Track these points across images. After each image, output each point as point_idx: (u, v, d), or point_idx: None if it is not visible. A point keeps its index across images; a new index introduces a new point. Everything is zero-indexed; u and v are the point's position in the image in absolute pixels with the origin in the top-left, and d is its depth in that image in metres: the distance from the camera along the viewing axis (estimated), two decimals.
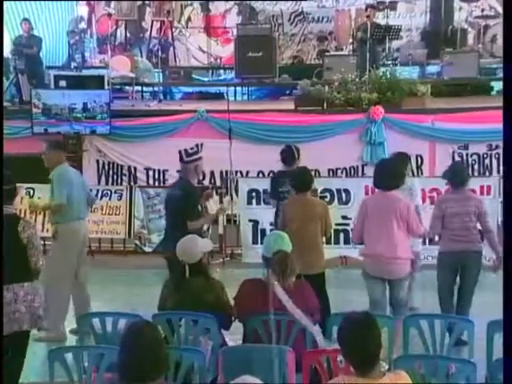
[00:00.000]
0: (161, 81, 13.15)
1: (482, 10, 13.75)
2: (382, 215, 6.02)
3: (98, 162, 10.93)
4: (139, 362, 3.10)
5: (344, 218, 8.82)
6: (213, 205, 6.51)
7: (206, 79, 14.54)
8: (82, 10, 15.12)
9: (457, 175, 6.52)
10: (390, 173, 6.20)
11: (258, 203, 9.28)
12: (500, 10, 14.44)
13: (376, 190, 6.43)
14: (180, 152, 6.45)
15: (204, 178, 10.51)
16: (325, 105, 10.89)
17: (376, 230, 6.04)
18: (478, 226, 6.44)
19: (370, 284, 6.16)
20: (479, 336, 4.88)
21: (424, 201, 8.22)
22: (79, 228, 6.77)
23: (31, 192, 9.59)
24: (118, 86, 12.52)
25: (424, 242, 8.45)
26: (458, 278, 6.48)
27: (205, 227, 6.43)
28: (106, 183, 10.81)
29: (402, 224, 6.01)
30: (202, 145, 6.46)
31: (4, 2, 9.07)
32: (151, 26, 14.18)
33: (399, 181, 6.21)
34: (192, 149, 6.56)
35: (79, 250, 6.79)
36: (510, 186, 3.58)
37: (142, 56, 13.88)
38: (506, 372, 3.08)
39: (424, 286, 7.32)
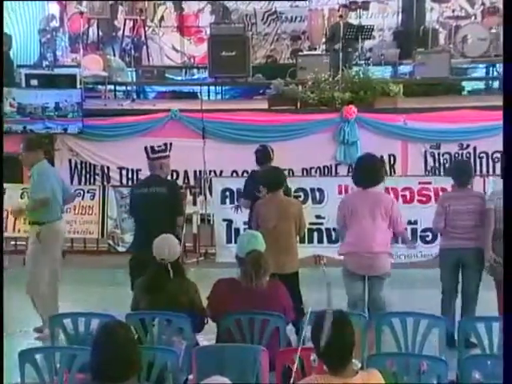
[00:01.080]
0: (134, 80, 13.07)
1: (453, 11, 13.88)
2: (365, 211, 6.04)
3: (70, 161, 10.86)
4: (111, 363, 3.09)
5: (318, 217, 8.84)
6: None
7: (179, 78, 14.48)
8: (54, 8, 14.98)
9: (460, 173, 6.55)
10: (372, 170, 6.22)
11: (232, 203, 9.26)
12: (470, 10, 14.61)
13: (355, 187, 6.41)
14: (146, 149, 6.48)
15: (178, 178, 10.49)
16: (298, 104, 10.91)
17: (359, 226, 6.06)
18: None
19: (349, 282, 6.15)
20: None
21: (397, 200, 8.26)
22: (61, 228, 6.71)
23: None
24: (91, 85, 12.42)
25: (397, 241, 8.55)
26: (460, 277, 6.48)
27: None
28: (79, 183, 10.74)
29: (385, 220, 6.04)
30: (171, 144, 6.44)
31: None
32: (124, 25, 14.09)
33: (380, 177, 6.26)
34: (159, 146, 6.58)
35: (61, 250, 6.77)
36: (510, 185, 3.61)
37: (114, 55, 13.78)
38: (506, 372, 3.12)
39: (396, 285, 7.35)
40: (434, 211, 6.59)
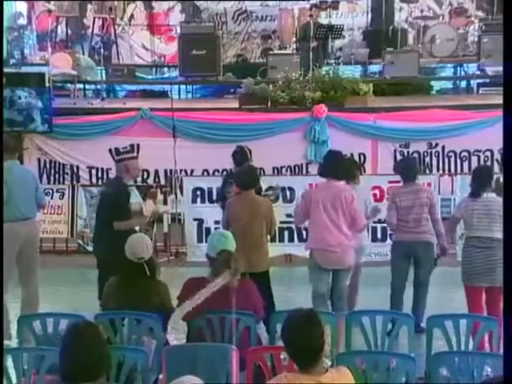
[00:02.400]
0: (103, 78, 12.98)
1: (421, 11, 14.01)
2: (328, 205, 6.12)
3: (39, 160, 10.74)
4: (80, 363, 3.07)
5: (288, 216, 8.82)
6: (149, 206, 6.44)
7: (149, 77, 14.41)
8: (21, 6, 14.81)
9: (407, 169, 6.81)
10: (339, 163, 6.34)
11: (203, 202, 9.26)
12: (438, 10, 14.76)
13: (323, 180, 6.47)
14: (110, 150, 6.42)
15: (148, 177, 10.45)
16: (269, 103, 10.92)
17: (322, 219, 6.13)
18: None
19: (314, 275, 6.25)
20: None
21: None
22: (17, 229, 6.53)
23: None
24: (60, 84, 12.31)
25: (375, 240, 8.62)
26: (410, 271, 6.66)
27: (137, 228, 6.30)
28: (48, 182, 10.63)
29: (347, 213, 6.12)
30: (138, 145, 6.35)
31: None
32: (93, 23, 13.98)
33: (347, 172, 6.35)
34: (124, 148, 6.50)
35: (18, 251, 6.59)
36: (510, 186, 3.66)
37: (83, 53, 13.67)
38: (506, 372, 3.16)
39: (367, 283, 7.41)
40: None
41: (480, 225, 6.07)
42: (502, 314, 5.53)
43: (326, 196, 6.17)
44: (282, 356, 4.25)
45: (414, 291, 6.67)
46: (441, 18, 14.42)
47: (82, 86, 12.78)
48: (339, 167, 6.30)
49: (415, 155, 10.49)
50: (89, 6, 14.52)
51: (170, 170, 10.23)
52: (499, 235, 5.95)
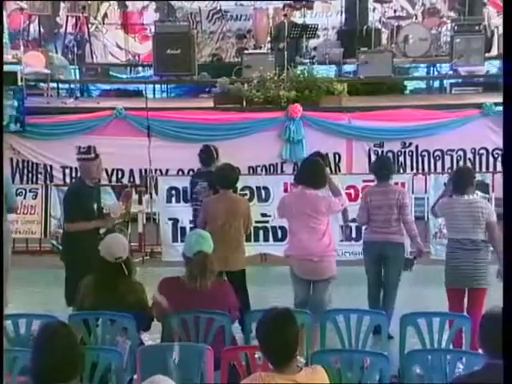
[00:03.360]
0: (77, 77, 12.90)
1: (395, 11, 14.09)
2: (303, 213, 6.01)
3: (11, 160, 10.64)
4: (53, 364, 3.04)
5: (263, 215, 8.86)
6: (116, 207, 6.37)
7: (124, 76, 14.35)
8: None
9: (381, 168, 6.72)
10: (319, 172, 6.17)
11: (178, 201, 9.22)
12: (411, 11, 14.87)
13: (298, 186, 6.36)
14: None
15: (123, 177, 10.40)
16: (244, 103, 10.93)
17: (300, 229, 6.04)
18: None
19: (295, 284, 6.15)
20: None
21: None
22: None
23: None
24: (33, 83, 12.20)
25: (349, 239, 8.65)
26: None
27: (102, 230, 6.24)
28: (21, 182, 10.54)
29: (325, 221, 6.04)
30: (94, 147, 6.29)
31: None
32: (66, 22, 13.87)
33: (324, 182, 6.20)
34: (83, 148, 6.45)
35: None
36: (510, 185, 3.70)
37: (57, 52, 13.57)
38: (506, 372, 3.19)
39: (341, 282, 7.44)
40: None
41: (463, 227, 5.97)
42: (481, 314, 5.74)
43: (304, 205, 6.00)
44: (256, 355, 4.26)
45: (383, 292, 6.56)
46: (414, 18, 14.52)
47: (55, 85, 12.68)
48: (318, 175, 6.12)
49: (389, 154, 10.56)
50: (62, 5, 14.42)
51: (145, 170, 10.19)
52: (483, 237, 5.95)
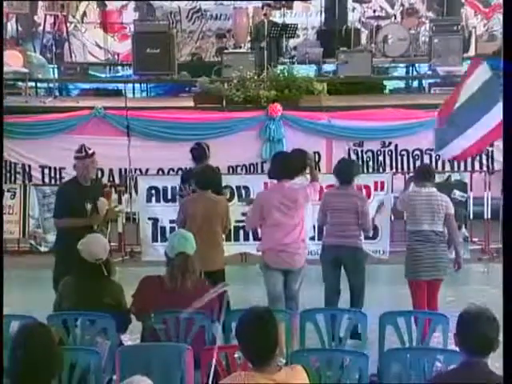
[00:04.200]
0: (56, 77, 12.81)
1: (374, 11, 14.16)
2: (279, 206, 6.11)
3: None
4: (31, 365, 3.03)
5: (244, 214, 8.82)
6: (102, 205, 6.39)
7: (103, 75, 14.28)
8: None
9: (342, 171, 6.59)
10: (287, 164, 6.27)
11: (158, 201, 9.21)
12: (390, 11, 14.95)
13: (273, 181, 6.49)
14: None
15: (103, 176, 10.35)
16: (224, 102, 10.91)
17: (274, 221, 6.13)
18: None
19: (268, 276, 6.24)
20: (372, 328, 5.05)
21: (321, 197, 8.37)
22: None
23: None
24: (11, 82, 12.11)
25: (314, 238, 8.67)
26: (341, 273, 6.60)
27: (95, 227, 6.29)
28: None
29: (300, 213, 6.12)
30: (84, 146, 6.41)
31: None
32: (44, 21, 13.78)
33: (295, 172, 6.28)
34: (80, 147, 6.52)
35: None
36: (511, 186, 3.73)
37: (35, 51, 13.48)
38: (506, 372, 3.23)
39: (318, 281, 7.48)
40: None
41: (423, 219, 6.17)
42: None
43: (278, 197, 6.15)
44: (236, 355, 4.26)
45: (350, 297, 6.50)
46: (393, 18, 14.60)
47: (33, 84, 12.60)
48: (288, 167, 6.23)
49: (369, 154, 10.63)
50: (40, 3, 14.31)
51: (125, 169, 10.16)
52: (440, 228, 6.16)
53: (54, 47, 12.60)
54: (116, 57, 14.64)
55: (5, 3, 13.47)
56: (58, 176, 10.50)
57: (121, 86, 12.82)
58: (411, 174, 7.17)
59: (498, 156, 10.53)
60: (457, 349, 3.59)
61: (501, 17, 14.46)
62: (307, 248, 6.41)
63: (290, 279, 6.20)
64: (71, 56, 13.97)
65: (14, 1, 13.42)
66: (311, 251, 8.30)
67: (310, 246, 7.98)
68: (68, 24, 14.01)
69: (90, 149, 6.43)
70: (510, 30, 3.65)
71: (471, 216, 9.28)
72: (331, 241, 6.47)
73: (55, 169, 10.54)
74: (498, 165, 10.48)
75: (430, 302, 6.15)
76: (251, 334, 3.40)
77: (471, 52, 13.52)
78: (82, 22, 14.76)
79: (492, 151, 10.56)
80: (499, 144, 10.34)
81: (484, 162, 10.53)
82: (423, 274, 6.18)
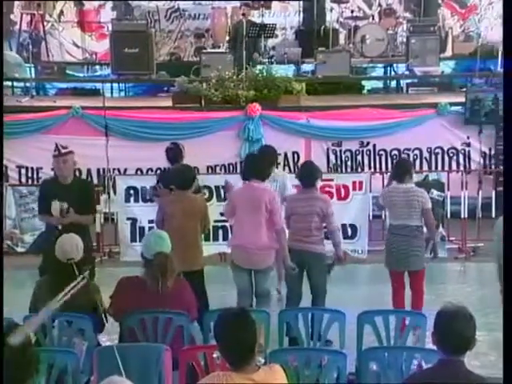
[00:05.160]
0: (33, 76, 12.71)
1: (352, 12, 14.19)
2: (248, 206, 6.19)
3: None
4: (6, 366, 3.00)
5: (223, 214, 8.84)
6: (55, 207, 6.41)
7: (80, 75, 14.19)
8: None
9: (305, 175, 6.57)
10: (258, 165, 6.40)
11: (136, 201, 9.17)
12: (367, 11, 15.01)
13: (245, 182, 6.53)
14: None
15: (80, 176, 10.28)
16: (202, 102, 10.89)
17: (243, 220, 6.22)
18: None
19: (236, 274, 6.35)
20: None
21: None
22: None
23: None
24: None
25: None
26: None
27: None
28: None
29: (266, 214, 6.15)
30: (59, 144, 6.48)
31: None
32: (21, 19, 13.64)
33: (266, 173, 6.38)
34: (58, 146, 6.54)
35: None
36: (511, 185, 3.76)
37: (11, 50, 13.35)
38: (506, 372, 3.25)
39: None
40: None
41: (401, 213, 6.40)
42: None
43: (247, 197, 6.24)
44: (214, 355, 4.26)
45: (311, 301, 6.48)
46: (371, 18, 14.65)
47: (9, 83, 12.47)
48: (257, 169, 6.32)
49: (347, 154, 10.67)
50: (16, 2, 14.17)
51: (103, 169, 10.11)
52: (418, 223, 6.41)
53: (30, 46, 12.47)
54: (94, 56, 14.51)
55: None
56: (35, 176, 10.42)
57: (99, 85, 12.74)
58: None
59: (475, 156, 10.64)
60: (434, 347, 3.62)
61: (476, 18, 14.62)
62: (275, 248, 6.32)
63: (257, 279, 6.29)
64: (48, 55, 13.85)
65: None
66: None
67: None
68: (45, 23, 13.89)
69: (65, 147, 6.43)
70: (510, 30, 3.69)
71: (448, 215, 9.35)
72: (294, 245, 6.41)
73: (32, 169, 10.46)
74: (475, 164, 10.60)
75: (414, 293, 6.44)
76: (229, 333, 3.40)
77: (448, 52, 13.62)
78: (59, 21, 14.63)
79: (469, 151, 10.67)
80: (476, 144, 10.54)
81: (461, 161, 10.63)
82: (399, 265, 6.44)
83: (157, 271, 4.81)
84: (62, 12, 14.75)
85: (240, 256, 6.29)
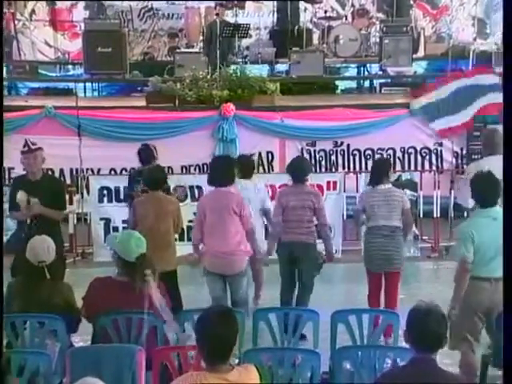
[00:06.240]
0: (4, 75, 12.56)
1: (325, 12, 14.24)
2: (217, 211, 6.14)
3: None
4: None
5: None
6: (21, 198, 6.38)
7: (53, 74, 14.07)
8: None
9: (296, 169, 6.71)
10: (223, 170, 6.32)
11: (110, 201, 9.14)
12: (341, 11, 15.08)
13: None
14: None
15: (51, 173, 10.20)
16: (176, 102, 10.86)
17: (212, 226, 6.16)
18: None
19: (209, 281, 6.29)
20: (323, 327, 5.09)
21: (274, 196, 8.40)
22: None
23: None
24: None
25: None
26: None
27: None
28: None
29: (236, 218, 6.14)
30: (29, 141, 6.53)
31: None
32: None
33: (230, 178, 6.30)
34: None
35: None
36: (511, 186, 3.79)
37: None
38: (507, 372, 3.27)
39: (272, 280, 7.50)
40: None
41: (380, 214, 6.36)
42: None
43: (215, 203, 6.19)
44: (188, 355, 4.25)
45: (297, 292, 6.61)
46: (344, 18, 14.70)
47: None
48: (223, 174, 6.25)
49: (321, 154, 10.71)
50: None
51: (76, 169, 10.05)
52: (397, 223, 6.37)
53: (1, 45, 12.34)
54: (66, 55, 14.40)
55: None
56: (6, 176, 10.31)
57: (71, 85, 12.63)
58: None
59: (447, 156, 10.75)
60: (407, 346, 3.65)
61: (448, 19, 14.76)
62: (248, 253, 6.32)
63: (230, 284, 6.24)
64: (20, 54, 13.70)
65: None
66: None
67: None
68: (16, 21, 13.74)
69: (34, 144, 6.46)
70: (510, 30, 3.74)
71: (421, 214, 9.43)
72: (286, 238, 6.56)
73: (4, 169, 10.34)
74: (447, 164, 10.70)
75: (389, 294, 6.38)
76: (212, 329, 3.40)
77: (420, 53, 13.71)
78: (31, 20, 14.47)
79: (441, 151, 10.77)
80: (448, 144, 10.64)
81: (433, 161, 10.72)
82: (376, 266, 6.40)
83: (141, 273, 4.78)
84: (33, 11, 14.60)
85: (212, 262, 6.21)
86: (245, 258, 6.26)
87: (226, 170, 6.34)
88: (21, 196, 6.19)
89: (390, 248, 6.33)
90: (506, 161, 4.02)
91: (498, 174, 6.13)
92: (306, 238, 6.51)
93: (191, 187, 9.13)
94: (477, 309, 5.05)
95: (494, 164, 6.37)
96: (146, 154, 7.42)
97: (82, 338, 5.32)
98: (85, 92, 12.64)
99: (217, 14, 12.47)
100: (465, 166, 10.56)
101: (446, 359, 5.03)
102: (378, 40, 12.93)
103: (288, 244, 6.54)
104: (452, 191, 9.81)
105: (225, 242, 6.12)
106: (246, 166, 7.21)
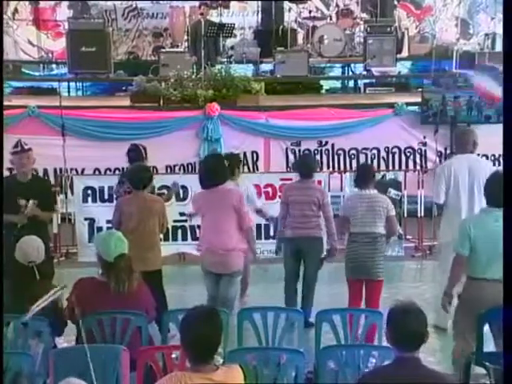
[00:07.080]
0: None
1: (310, 12, 14.28)
2: (214, 208, 6.12)
3: None
4: None
5: (182, 214, 8.83)
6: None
7: (36, 74, 14.00)
8: None
9: (303, 166, 6.93)
10: (217, 168, 6.30)
11: (94, 201, 9.10)
12: (325, 11, 15.12)
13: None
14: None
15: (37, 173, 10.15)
16: (161, 101, 10.84)
17: (209, 223, 6.16)
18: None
19: (207, 279, 6.27)
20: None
21: (260, 196, 8.41)
22: None
23: None
24: None
25: (260, 237, 8.71)
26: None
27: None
28: None
29: (233, 216, 6.12)
30: (20, 141, 6.52)
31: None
32: None
33: (222, 176, 6.27)
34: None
35: None
36: (510, 186, 3.80)
37: None
38: (507, 371, 3.27)
39: (260, 280, 7.52)
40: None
41: (364, 220, 6.27)
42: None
43: (212, 202, 6.14)
44: (173, 355, 4.25)
45: (302, 286, 6.78)
46: (328, 18, 14.74)
47: None
48: (215, 174, 6.21)
49: (306, 153, 10.72)
50: None
51: (60, 169, 10.00)
52: (382, 230, 6.28)
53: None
54: (50, 55, 14.32)
55: None
56: None
57: (55, 84, 12.57)
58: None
59: (431, 155, 10.80)
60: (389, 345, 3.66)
61: (431, 19, 14.84)
62: (246, 252, 6.31)
63: (222, 283, 6.16)
64: (2, 53, 13.62)
65: None
66: None
67: None
68: None
69: (26, 144, 6.49)
70: (511, 30, 3.78)
71: (405, 214, 9.47)
72: (292, 233, 6.68)
73: None
74: (431, 163, 10.75)
75: (370, 302, 6.24)
76: (197, 329, 3.40)
77: (404, 53, 13.78)
78: (14, 19, 14.40)
79: (425, 150, 10.82)
80: (432, 143, 10.70)
81: (417, 161, 10.77)
82: (358, 274, 6.29)
83: (122, 273, 4.77)
84: (16, 10, 14.51)
85: (209, 260, 6.19)
86: (242, 256, 6.22)
87: (219, 167, 6.33)
88: (22, 203, 6.17)
89: (372, 256, 6.22)
90: (506, 161, 4.04)
91: (465, 171, 6.46)
92: (313, 231, 6.66)
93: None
94: (473, 309, 5.01)
95: (463, 162, 6.48)
96: (135, 155, 7.37)
97: (66, 339, 5.30)
98: (69, 91, 12.58)
99: (201, 14, 12.47)
100: None
101: (430, 357, 5.07)
102: (362, 40, 12.98)
103: (294, 239, 6.66)
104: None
105: (220, 240, 6.09)
106: (233, 165, 7.20)
